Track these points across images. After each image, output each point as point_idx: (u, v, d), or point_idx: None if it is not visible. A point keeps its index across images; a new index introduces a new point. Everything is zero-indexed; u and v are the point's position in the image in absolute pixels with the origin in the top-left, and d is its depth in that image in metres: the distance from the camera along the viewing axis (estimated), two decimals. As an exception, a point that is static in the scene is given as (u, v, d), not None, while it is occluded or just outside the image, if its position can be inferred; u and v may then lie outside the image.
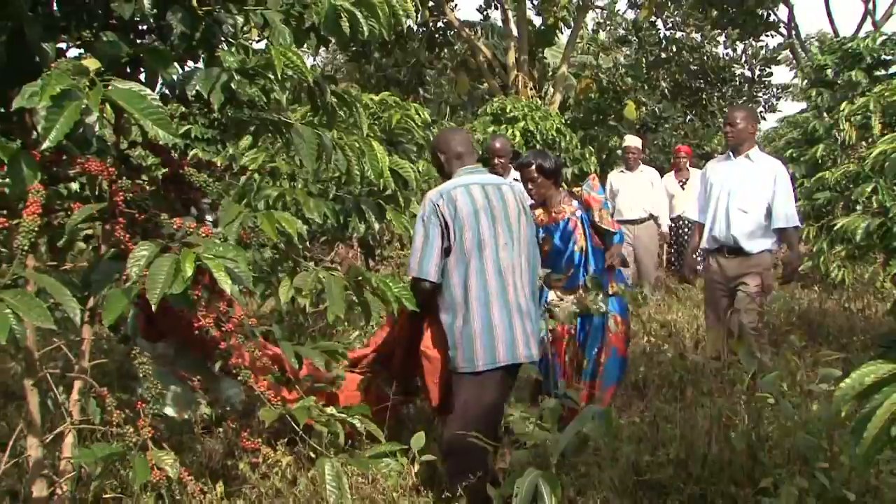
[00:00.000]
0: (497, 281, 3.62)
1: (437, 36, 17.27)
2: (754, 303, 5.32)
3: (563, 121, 12.08)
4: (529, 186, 4.87)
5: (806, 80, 12.59)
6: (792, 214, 5.50)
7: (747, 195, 5.50)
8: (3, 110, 3.03)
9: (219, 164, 3.62)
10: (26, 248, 2.38)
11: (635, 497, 3.76)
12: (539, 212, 4.93)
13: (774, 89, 22.97)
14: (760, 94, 22.29)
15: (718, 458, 3.62)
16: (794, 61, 23.52)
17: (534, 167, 4.86)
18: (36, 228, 2.43)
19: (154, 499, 3.65)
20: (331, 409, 3.17)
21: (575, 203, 4.97)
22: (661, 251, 10.39)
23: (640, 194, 9.25)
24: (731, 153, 5.70)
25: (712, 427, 3.71)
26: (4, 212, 2.84)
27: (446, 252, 3.64)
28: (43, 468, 3.07)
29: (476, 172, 3.82)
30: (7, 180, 2.55)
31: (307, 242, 5.92)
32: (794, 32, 22.74)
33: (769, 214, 5.46)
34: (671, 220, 9.82)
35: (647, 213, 9.24)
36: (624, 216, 9.01)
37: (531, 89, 15.12)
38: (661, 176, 10.22)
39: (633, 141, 9.68)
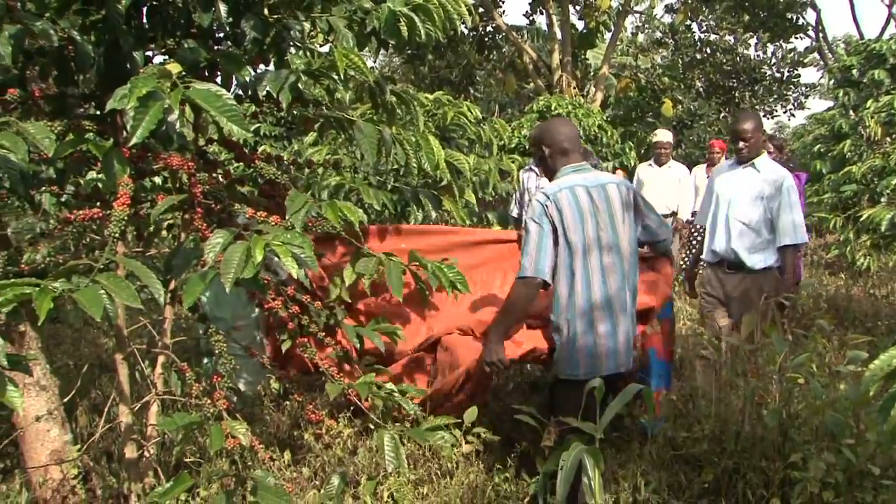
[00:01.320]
0: (601, 289, 3.30)
1: (486, 39, 17.20)
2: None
3: (605, 118, 11.94)
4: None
5: (833, 80, 12.32)
6: (794, 230, 4.68)
7: (749, 206, 4.77)
8: (98, 113, 3.09)
9: (285, 159, 3.65)
10: (117, 235, 2.42)
11: (672, 470, 3.72)
12: None
13: (803, 88, 22.46)
14: (789, 93, 21.84)
15: (751, 435, 3.56)
16: (822, 62, 22.97)
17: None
18: (125, 218, 2.47)
19: (228, 464, 3.72)
20: (389, 386, 3.18)
21: None
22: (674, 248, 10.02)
23: (665, 191, 8.69)
24: (735, 162, 4.96)
25: (745, 405, 3.66)
26: (98, 203, 2.90)
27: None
28: (133, 433, 3.14)
29: (581, 171, 3.41)
30: (101, 175, 2.59)
31: (367, 231, 5.94)
32: (821, 35, 22.22)
33: (773, 229, 4.74)
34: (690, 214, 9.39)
35: (668, 210, 8.69)
36: None
37: (574, 88, 14.97)
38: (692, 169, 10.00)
39: (664, 136, 8.94)
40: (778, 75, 20.84)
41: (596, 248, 3.29)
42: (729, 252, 4.80)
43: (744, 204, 4.78)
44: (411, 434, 3.21)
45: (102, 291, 2.08)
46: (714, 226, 4.95)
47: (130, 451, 3.16)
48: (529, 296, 3.32)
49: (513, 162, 6.80)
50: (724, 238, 4.84)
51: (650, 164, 8.98)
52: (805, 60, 21.60)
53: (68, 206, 3.25)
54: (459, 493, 3.51)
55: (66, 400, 3.53)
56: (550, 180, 3.47)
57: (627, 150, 11.49)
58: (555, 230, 3.27)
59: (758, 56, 20.79)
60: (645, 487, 3.50)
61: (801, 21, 19.55)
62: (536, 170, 6.24)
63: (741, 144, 4.82)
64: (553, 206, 3.27)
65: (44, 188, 3.13)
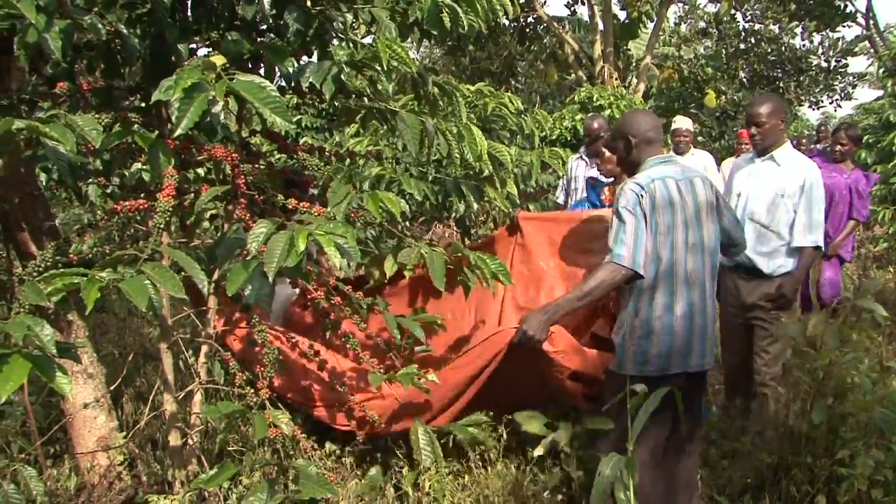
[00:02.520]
0: (684, 284, 3.14)
1: (527, 30, 17.10)
2: (776, 347, 4.13)
3: (647, 109, 11.82)
4: (597, 161, 4.59)
5: (882, 69, 12.01)
6: (813, 231, 4.11)
7: (767, 206, 4.19)
8: (144, 105, 3.13)
9: (327, 150, 3.66)
10: (162, 226, 2.45)
11: (714, 465, 3.68)
12: (607, 190, 4.60)
13: (850, 77, 21.97)
14: (836, 83, 21.39)
15: (797, 430, 3.51)
16: (873, 50, 22.43)
17: (602, 141, 4.54)
18: (170, 209, 2.49)
19: (271, 453, 3.75)
20: (431, 376, 3.17)
21: None
22: None
23: None
24: (754, 154, 4.39)
25: (791, 400, 3.60)
26: (143, 194, 2.94)
27: None
28: (177, 421, 3.18)
29: (669, 163, 3.28)
30: (146, 166, 2.62)
31: (407, 222, 5.95)
32: (871, 22, 21.70)
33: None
34: None
35: None
36: None
37: (616, 79, 14.82)
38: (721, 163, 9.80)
39: (683, 122, 7.91)
40: (825, 65, 20.43)
41: (682, 246, 3.15)
42: (743, 256, 4.16)
43: (761, 202, 4.21)
44: (451, 428, 3.20)
45: (148, 281, 2.11)
46: None
47: (175, 439, 3.21)
48: (615, 285, 3.14)
49: (553, 156, 6.74)
50: None
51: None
52: (855, 49, 21.09)
53: (114, 198, 3.30)
54: (498, 484, 3.50)
55: (112, 388, 3.60)
56: (630, 174, 3.32)
57: (670, 140, 11.32)
58: (645, 221, 3.11)
59: (804, 45, 20.41)
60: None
61: (849, 9, 19.14)
62: (586, 158, 6.22)
63: (754, 130, 4.26)
64: (647, 197, 3.11)
65: (90, 179, 3.18)
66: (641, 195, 3.12)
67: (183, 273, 2.40)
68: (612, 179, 4.57)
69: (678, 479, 3.27)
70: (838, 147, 6.37)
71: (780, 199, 4.14)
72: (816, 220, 4.10)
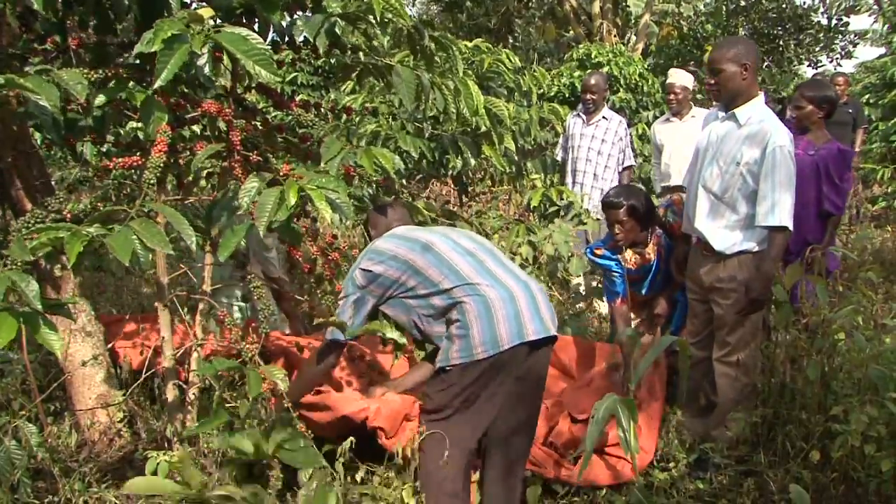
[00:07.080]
0: (468, 260, 2.88)
1: (525, -14, 16.90)
2: (735, 335, 3.51)
3: (646, 66, 11.67)
4: (616, 230, 3.90)
5: (887, 25, 11.85)
6: (778, 209, 3.32)
7: (720, 174, 3.47)
8: (138, 62, 3.08)
9: (323, 107, 3.60)
10: (153, 181, 2.41)
11: (706, 422, 3.67)
12: (629, 254, 4.02)
13: (851, 36, 21.70)
14: (837, 42, 21.13)
15: (791, 387, 3.50)
16: (877, 7, 22.14)
17: (624, 209, 3.84)
18: (161, 164, 2.46)
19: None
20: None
21: (658, 231, 4.03)
22: None
23: (686, 150, 5.13)
24: (720, 108, 3.68)
25: (787, 357, 3.59)
26: (137, 152, 2.90)
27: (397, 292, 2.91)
28: (174, 378, 3.17)
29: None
30: (140, 124, 2.58)
31: (404, 180, 5.90)
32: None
33: (754, 204, 3.40)
34: None
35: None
36: (672, 180, 5.87)
37: (615, 36, 14.65)
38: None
39: (677, 77, 6.04)
40: (826, 23, 20.18)
41: (438, 238, 2.94)
42: (694, 229, 3.63)
43: (714, 169, 3.51)
44: None
45: (134, 237, 2.07)
46: (688, 194, 3.76)
47: (172, 395, 3.21)
48: (331, 363, 3.07)
49: (552, 113, 6.68)
50: (692, 211, 3.62)
51: (668, 119, 6.19)
52: (857, 5, 20.81)
53: (109, 156, 3.26)
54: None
55: (110, 346, 3.59)
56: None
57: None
58: (378, 276, 2.88)
59: (805, 2, 20.15)
60: (678, 439, 3.48)
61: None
62: (583, 115, 6.17)
63: (712, 79, 3.70)
64: (367, 261, 2.91)
65: (85, 138, 3.13)
66: (357, 272, 2.92)
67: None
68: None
69: None
70: (796, 111, 4.34)
71: (736, 167, 3.42)
72: (780, 195, 3.32)
